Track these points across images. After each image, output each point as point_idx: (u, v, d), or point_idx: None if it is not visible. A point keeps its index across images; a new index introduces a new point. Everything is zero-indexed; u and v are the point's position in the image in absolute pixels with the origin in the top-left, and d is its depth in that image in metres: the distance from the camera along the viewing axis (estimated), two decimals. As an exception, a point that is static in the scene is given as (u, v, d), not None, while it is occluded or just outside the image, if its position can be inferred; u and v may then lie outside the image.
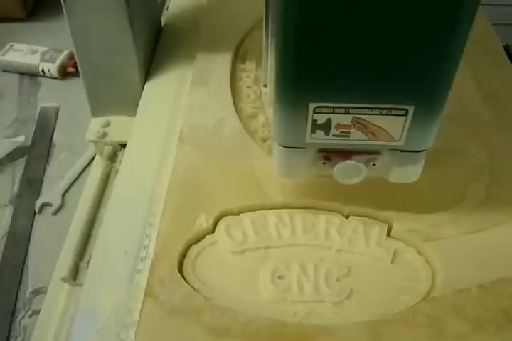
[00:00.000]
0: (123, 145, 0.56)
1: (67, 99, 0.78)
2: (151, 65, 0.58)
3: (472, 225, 0.40)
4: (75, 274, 0.48)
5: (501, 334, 0.35)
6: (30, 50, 0.83)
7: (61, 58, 0.81)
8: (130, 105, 0.54)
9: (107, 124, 0.57)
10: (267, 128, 0.49)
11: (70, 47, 0.82)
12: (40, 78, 0.82)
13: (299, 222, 0.41)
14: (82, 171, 0.66)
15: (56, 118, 0.75)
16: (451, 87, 0.32)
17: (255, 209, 0.42)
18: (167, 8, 0.71)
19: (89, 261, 0.46)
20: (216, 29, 0.59)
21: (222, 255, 0.39)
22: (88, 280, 0.40)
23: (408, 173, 0.38)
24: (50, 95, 0.79)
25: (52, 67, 0.80)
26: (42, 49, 0.83)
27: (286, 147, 0.36)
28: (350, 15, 0.29)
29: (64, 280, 0.47)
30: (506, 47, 0.57)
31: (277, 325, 0.35)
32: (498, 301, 0.36)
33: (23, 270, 0.59)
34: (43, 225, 0.63)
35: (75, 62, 0.80)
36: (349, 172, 0.37)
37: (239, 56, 0.57)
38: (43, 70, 0.81)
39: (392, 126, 0.34)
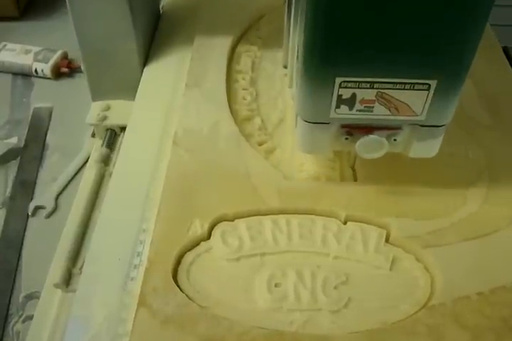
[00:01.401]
0: (122, 129, 0.57)
1: (61, 99, 0.76)
2: (150, 50, 0.60)
3: (472, 231, 0.40)
4: (67, 280, 0.47)
5: (501, 343, 0.34)
6: (23, 49, 0.82)
7: (54, 58, 0.80)
8: (129, 89, 0.55)
9: (107, 108, 0.59)
10: (263, 132, 0.49)
11: (64, 47, 0.83)
12: (33, 78, 0.81)
13: (295, 227, 0.40)
14: (76, 173, 0.65)
15: (49, 119, 0.74)
16: (472, 62, 0.33)
17: (251, 215, 0.41)
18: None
19: (82, 267, 0.45)
20: (214, 17, 0.59)
21: (218, 262, 0.38)
22: (80, 287, 0.40)
23: (428, 148, 0.39)
24: (44, 96, 0.78)
25: (45, 68, 0.79)
26: (35, 49, 0.82)
27: (310, 122, 0.37)
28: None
29: (57, 286, 0.47)
30: (505, 49, 0.56)
31: (273, 334, 0.34)
32: (498, 309, 0.36)
33: (16, 274, 0.58)
34: (36, 228, 0.62)
35: (69, 63, 0.81)
36: (371, 147, 0.37)
37: (234, 57, 0.56)
38: (36, 70, 0.80)
39: (415, 100, 0.35)
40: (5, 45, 0.83)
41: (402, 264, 0.38)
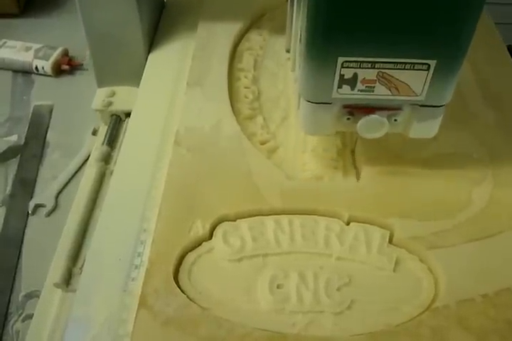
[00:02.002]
0: (127, 114, 0.59)
1: (61, 97, 0.76)
2: (154, 37, 0.61)
3: (476, 232, 0.39)
4: (68, 279, 0.47)
5: (506, 346, 0.34)
6: (23, 46, 0.81)
7: (55, 55, 0.79)
8: (134, 76, 0.57)
9: (112, 94, 0.61)
10: (266, 130, 0.48)
11: (64, 44, 0.82)
12: (33, 76, 0.81)
13: (298, 228, 0.40)
14: (76, 172, 0.65)
15: (50, 116, 0.74)
16: (470, 43, 0.34)
17: (253, 215, 0.41)
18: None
19: (82, 266, 0.45)
20: (216, 15, 0.59)
21: (219, 263, 0.38)
22: (81, 287, 0.39)
23: (427, 128, 0.39)
24: (44, 93, 0.78)
25: (46, 65, 0.79)
26: (36, 46, 0.81)
27: (312, 102, 0.38)
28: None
29: (57, 285, 0.46)
30: (510, 48, 0.56)
31: (276, 336, 0.34)
32: (502, 312, 0.35)
33: (15, 272, 0.57)
34: (36, 226, 0.61)
35: (70, 60, 0.80)
36: (372, 127, 0.38)
37: (236, 55, 0.55)
38: (36, 68, 0.79)
39: (415, 80, 0.36)
40: (5, 42, 0.82)
41: (406, 265, 0.38)
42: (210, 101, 0.49)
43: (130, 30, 0.57)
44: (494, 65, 0.54)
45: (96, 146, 0.59)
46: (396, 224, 0.40)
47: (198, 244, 0.39)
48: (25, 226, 0.61)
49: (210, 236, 0.40)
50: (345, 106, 0.38)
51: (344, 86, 0.36)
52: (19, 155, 0.69)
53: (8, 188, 0.65)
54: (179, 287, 0.36)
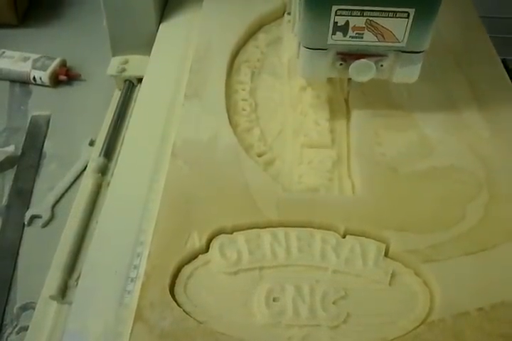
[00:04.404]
0: (139, 80, 0.64)
1: (59, 107, 0.76)
2: (165, 8, 0.67)
3: (471, 246, 0.40)
4: (63, 291, 0.47)
5: (501, 360, 0.34)
6: (21, 57, 0.81)
7: (53, 66, 0.80)
8: (145, 45, 0.63)
9: (126, 62, 0.67)
10: (263, 143, 0.49)
11: (63, 54, 0.82)
12: (31, 86, 0.81)
13: (294, 241, 0.40)
14: (73, 183, 0.65)
15: (47, 127, 0.74)
16: None
17: (250, 227, 0.41)
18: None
19: (78, 278, 0.45)
20: (214, 28, 0.60)
21: (216, 276, 0.38)
22: (76, 300, 0.39)
23: (409, 74, 0.46)
24: (42, 103, 0.78)
25: (43, 75, 0.79)
26: (34, 56, 0.81)
27: (310, 49, 0.44)
28: None
29: (52, 298, 0.46)
30: (504, 62, 0.56)
31: (272, 350, 0.34)
32: (498, 326, 0.35)
33: (11, 284, 0.57)
34: (32, 237, 0.61)
35: (67, 70, 0.81)
36: (362, 70, 0.44)
37: (234, 68, 0.56)
38: (34, 78, 0.80)
39: (397, 27, 0.42)
40: (3, 53, 0.83)
41: (402, 279, 0.38)
42: (208, 113, 0.50)
43: (143, 3, 0.63)
44: (490, 78, 0.54)
45: (93, 157, 0.60)
46: (392, 237, 0.40)
47: (194, 257, 0.39)
48: (21, 237, 0.61)
49: (207, 248, 0.40)
50: (339, 53, 0.44)
51: (338, 32, 0.43)
52: (16, 166, 0.69)
53: (5, 199, 0.65)
54: (175, 300, 0.36)
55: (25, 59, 0.81)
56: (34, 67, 0.80)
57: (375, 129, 0.48)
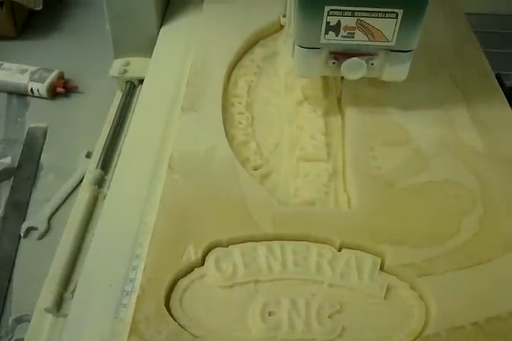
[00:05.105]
0: (140, 81, 0.65)
1: (56, 119, 0.77)
2: (166, 12, 0.69)
3: (466, 260, 0.40)
4: (59, 304, 0.46)
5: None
6: (19, 69, 0.82)
7: (50, 78, 0.80)
8: (147, 48, 0.65)
9: (127, 64, 0.69)
10: (259, 156, 0.49)
11: (60, 67, 0.83)
12: (28, 98, 0.81)
13: (290, 254, 0.40)
14: (70, 195, 0.65)
15: (44, 139, 0.74)
16: None
17: (245, 241, 0.41)
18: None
19: (74, 291, 0.44)
20: (211, 41, 0.60)
21: (211, 289, 0.38)
22: (72, 313, 0.39)
23: (398, 72, 0.48)
24: (39, 115, 0.78)
25: (41, 87, 0.79)
26: (31, 68, 0.82)
27: (304, 48, 0.46)
28: None
29: (47, 310, 0.46)
30: (498, 76, 0.57)
31: (267, 364, 0.34)
32: (492, 340, 0.35)
33: (6, 296, 0.57)
34: (28, 249, 0.61)
35: (65, 83, 0.81)
36: (353, 68, 0.46)
37: (231, 81, 0.56)
38: (31, 90, 0.80)
39: (386, 27, 0.44)
40: (1, 64, 0.83)
41: (397, 293, 0.38)
42: (205, 126, 0.50)
43: (144, 7, 0.65)
44: (484, 94, 0.54)
45: (89, 169, 0.60)
46: (387, 251, 0.40)
47: (190, 270, 0.39)
48: (17, 249, 0.61)
49: (203, 262, 0.40)
50: (331, 52, 0.46)
51: (330, 32, 0.45)
52: (12, 178, 0.69)
53: (1, 210, 0.65)
54: (171, 314, 0.36)
55: (23, 71, 0.82)
56: (32, 79, 0.80)
57: (371, 143, 0.48)
